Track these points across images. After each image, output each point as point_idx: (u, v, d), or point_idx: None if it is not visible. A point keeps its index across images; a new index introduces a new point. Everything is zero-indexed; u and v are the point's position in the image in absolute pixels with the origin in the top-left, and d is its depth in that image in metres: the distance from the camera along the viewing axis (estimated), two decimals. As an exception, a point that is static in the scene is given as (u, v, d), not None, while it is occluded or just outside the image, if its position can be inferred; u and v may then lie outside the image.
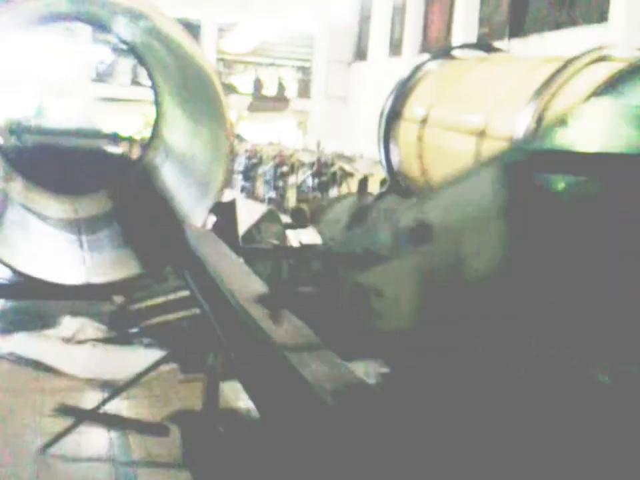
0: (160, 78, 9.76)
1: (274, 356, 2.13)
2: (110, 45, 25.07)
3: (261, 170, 18.63)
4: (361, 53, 24.35)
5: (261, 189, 18.78)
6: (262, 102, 27.10)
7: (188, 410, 5.17)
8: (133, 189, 9.90)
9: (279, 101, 27.81)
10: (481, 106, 9.92)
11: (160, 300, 6.36)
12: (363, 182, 12.83)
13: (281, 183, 17.28)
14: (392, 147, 10.83)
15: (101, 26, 10.19)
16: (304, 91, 28.80)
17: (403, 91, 10.85)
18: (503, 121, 9.05)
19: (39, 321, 7.02)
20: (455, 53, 10.50)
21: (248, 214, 5.06)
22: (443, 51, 10.62)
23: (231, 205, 4.35)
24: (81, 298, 7.21)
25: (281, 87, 28.46)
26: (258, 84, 28.41)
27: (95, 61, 25.56)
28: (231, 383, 4.62)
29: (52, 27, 16.70)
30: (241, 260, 3.44)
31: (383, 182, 12.34)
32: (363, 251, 2.93)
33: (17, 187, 9.49)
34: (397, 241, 2.77)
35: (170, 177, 8.85)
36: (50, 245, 7.96)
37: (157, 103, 10.40)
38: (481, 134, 9.14)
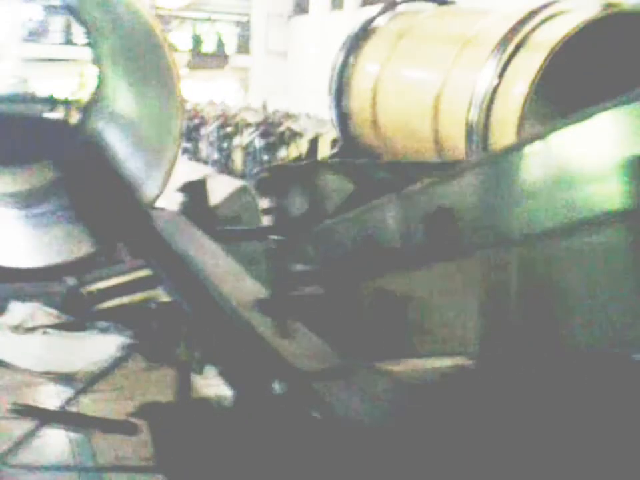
0: (99, 36, 9.13)
1: (293, 383, 1.79)
2: (40, 2, 23.94)
3: (204, 131, 18.03)
4: (301, 7, 23.68)
5: (204, 151, 18.20)
6: (201, 59, 26.25)
7: (156, 404, 4.77)
8: (76, 157, 9.30)
9: (218, 57, 26.98)
10: (437, 62, 9.59)
11: (116, 281, 5.91)
12: (313, 142, 12.42)
13: (225, 144, 16.73)
14: (344, 105, 10.46)
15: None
16: (243, 47, 28.01)
17: (355, 46, 10.44)
18: (462, 78, 8.74)
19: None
20: (402, 7, 10.17)
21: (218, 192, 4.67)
22: (391, 4, 10.22)
23: (201, 183, 3.92)
24: (28, 280, 6.70)
25: (220, 43, 27.60)
26: (196, 40, 27.51)
27: (25, 20, 24.37)
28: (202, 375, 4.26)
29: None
30: (221, 249, 3.05)
31: (334, 142, 11.97)
32: (367, 239, 2.58)
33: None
34: (412, 229, 2.42)
35: (116, 143, 8.28)
36: None
37: (97, 63, 9.76)
38: (439, 92, 8.83)
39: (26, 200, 8.20)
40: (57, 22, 25.88)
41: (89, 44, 9.80)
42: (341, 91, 10.27)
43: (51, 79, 20.11)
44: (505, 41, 7.41)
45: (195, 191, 3.76)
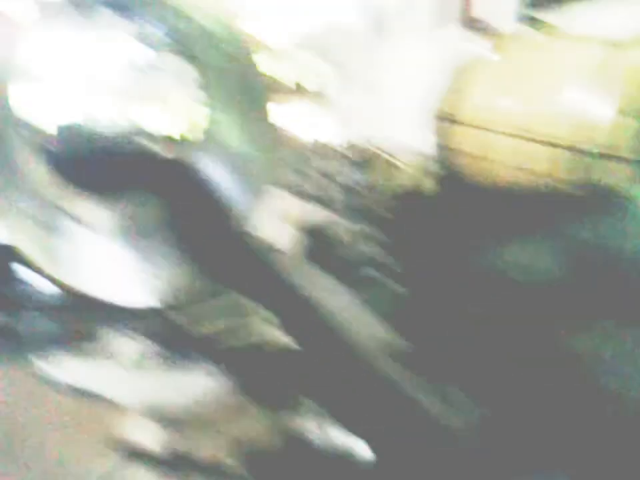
0: (202, 68, 9.13)
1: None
2: (147, 39, 24.53)
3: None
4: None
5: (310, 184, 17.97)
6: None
7: (261, 450, 4.50)
8: (179, 190, 9.28)
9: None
10: (555, 94, 9.20)
11: (223, 322, 5.69)
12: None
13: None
14: (448, 137, 10.06)
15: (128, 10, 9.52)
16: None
17: (461, 75, 10.05)
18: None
19: (77, 336, 6.42)
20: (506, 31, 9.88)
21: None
22: (492, 29, 9.92)
23: (326, 224, 3.64)
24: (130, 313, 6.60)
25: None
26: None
27: (133, 56, 25.05)
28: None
29: (86, 17, 16.07)
30: (354, 295, 2.77)
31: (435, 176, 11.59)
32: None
33: (62, 194, 8.89)
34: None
35: (218, 176, 8.20)
36: (102, 257, 7.27)
37: (200, 97, 9.77)
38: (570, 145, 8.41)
39: (134, 234, 8.14)
40: (164, 57, 26.36)
41: (195, 79, 9.85)
42: (445, 122, 9.99)
43: (154, 111, 20.53)
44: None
45: (318, 232, 3.50)
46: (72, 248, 7.51)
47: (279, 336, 4.40)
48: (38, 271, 6.04)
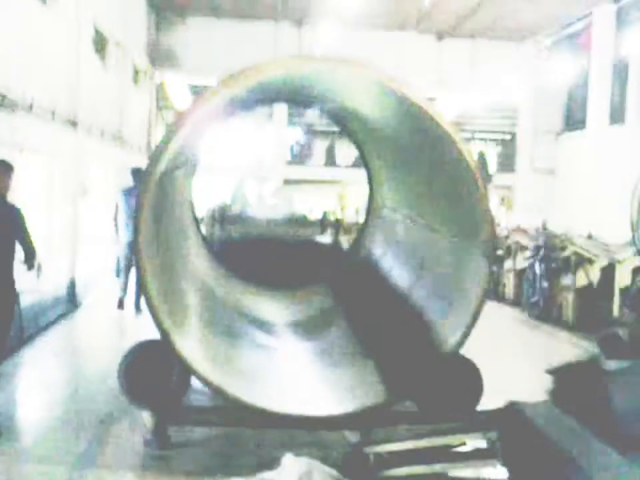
0: (377, 155, 8.50)
1: None
2: (304, 127, 24.78)
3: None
4: (571, 123, 22.35)
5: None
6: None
7: None
8: (352, 283, 8.60)
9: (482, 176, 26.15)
10: None
11: (408, 445, 4.88)
12: (608, 270, 10.85)
13: (494, 268, 15.47)
14: None
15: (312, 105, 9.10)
16: (505, 164, 27.00)
17: None
18: None
19: (252, 457, 5.72)
20: None
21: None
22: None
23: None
24: (304, 427, 5.85)
25: (484, 162, 26.85)
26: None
27: (290, 143, 25.29)
28: None
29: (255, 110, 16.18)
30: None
31: (635, 271, 10.35)
32: None
33: (227, 287, 8.43)
34: None
35: (397, 272, 7.43)
36: (273, 360, 6.64)
37: (371, 184, 9.13)
38: None
39: (305, 330, 7.51)
40: (319, 144, 26.64)
41: (363, 162, 9.22)
42: None
43: (311, 198, 20.29)
44: None
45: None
46: (243, 349, 6.80)
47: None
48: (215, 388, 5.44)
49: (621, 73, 19.18)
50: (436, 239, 6.70)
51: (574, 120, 22.34)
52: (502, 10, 20.15)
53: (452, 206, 6.24)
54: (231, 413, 5.86)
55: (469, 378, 5.91)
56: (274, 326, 7.61)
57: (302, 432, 6.26)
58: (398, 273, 7.52)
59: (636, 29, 17.82)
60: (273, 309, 8.31)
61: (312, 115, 23.72)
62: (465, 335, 5.56)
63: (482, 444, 4.54)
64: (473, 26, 21.85)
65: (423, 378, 5.81)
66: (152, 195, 5.25)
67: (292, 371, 6.47)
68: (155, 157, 5.27)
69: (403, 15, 21.17)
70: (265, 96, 7.43)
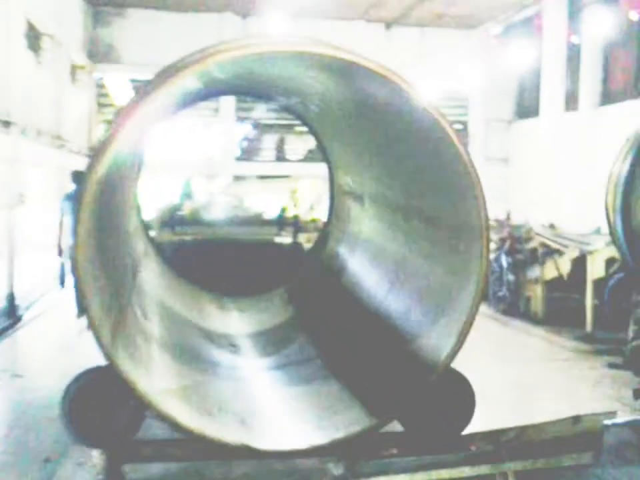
0: (339, 148, 7.86)
1: None
2: (252, 122, 24.11)
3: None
4: (523, 110, 22.05)
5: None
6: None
7: None
8: (318, 289, 7.97)
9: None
10: None
11: (403, 478, 4.29)
12: (579, 262, 10.43)
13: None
14: (633, 222, 8.54)
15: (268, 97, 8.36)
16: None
17: None
18: None
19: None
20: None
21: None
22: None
23: None
24: (273, 457, 5.21)
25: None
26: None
27: (238, 139, 24.56)
28: None
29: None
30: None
31: (609, 262, 9.94)
32: None
33: (183, 299, 7.71)
34: None
35: (369, 274, 6.80)
36: (239, 384, 5.90)
37: (333, 174, 8.49)
38: None
39: (269, 343, 6.83)
40: (269, 140, 26.01)
41: (321, 148, 8.54)
42: (628, 206, 8.48)
43: (262, 195, 19.62)
44: None
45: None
46: (215, 384, 5.98)
47: None
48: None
49: (573, 59, 18.91)
50: (415, 230, 6.04)
51: (526, 108, 22.06)
52: (451, -3, 19.78)
53: (432, 188, 5.55)
54: (194, 445, 5.18)
55: (459, 393, 5.31)
56: (236, 341, 6.92)
57: (279, 464, 5.62)
58: (370, 275, 6.90)
59: (588, 13, 17.55)
60: (234, 321, 7.63)
61: (260, 110, 23.05)
62: (457, 345, 4.94)
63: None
64: (422, 14, 21.43)
65: (409, 395, 5.20)
66: (92, 203, 4.54)
67: (259, 395, 5.79)
68: (93, 161, 4.55)
69: (351, 4, 20.64)
70: (216, 87, 6.75)
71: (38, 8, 14.42)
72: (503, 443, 4.83)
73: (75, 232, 4.46)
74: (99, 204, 4.74)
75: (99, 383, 4.95)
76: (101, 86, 22.42)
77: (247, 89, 7.74)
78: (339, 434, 4.85)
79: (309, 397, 5.54)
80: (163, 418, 4.70)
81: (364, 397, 5.27)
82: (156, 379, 5.15)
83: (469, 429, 5.26)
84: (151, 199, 13.59)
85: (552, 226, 13.44)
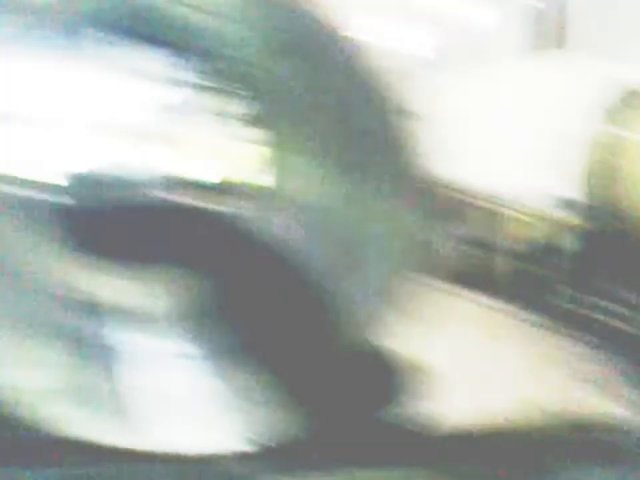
0: (275, 107, 7.20)
1: None
2: (180, 78, 23.34)
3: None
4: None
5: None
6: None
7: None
8: (239, 263, 7.29)
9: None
10: None
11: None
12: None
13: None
14: (608, 189, 8.50)
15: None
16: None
17: (619, 115, 8.37)
18: None
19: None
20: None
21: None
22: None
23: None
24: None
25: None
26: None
27: (164, 97, 23.73)
28: None
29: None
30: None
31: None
32: None
33: (79, 274, 6.87)
34: None
35: (307, 247, 6.17)
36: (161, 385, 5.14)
37: (269, 142, 7.84)
38: None
39: (171, 323, 6.09)
40: (201, 97, 25.32)
41: (256, 116, 7.88)
42: (603, 172, 8.63)
43: (195, 160, 18.93)
44: None
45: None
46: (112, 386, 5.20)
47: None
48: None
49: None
50: (338, 186, 5.48)
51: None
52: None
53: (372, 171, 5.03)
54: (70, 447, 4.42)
55: (379, 371, 4.71)
56: (139, 323, 6.16)
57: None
58: (300, 245, 6.32)
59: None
60: (141, 299, 6.89)
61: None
62: (372, 315, 4.25)
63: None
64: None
65: (321, 379, 4.56)
66: None
67: (164, 387, 5.03)
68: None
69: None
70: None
71: None
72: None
73: None
74: None
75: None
76: None
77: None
78: (263, 442, 4.17)
79: (221, 398, 4.85)
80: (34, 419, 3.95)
81: (295, 401, 4.64)
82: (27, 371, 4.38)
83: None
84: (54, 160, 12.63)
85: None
